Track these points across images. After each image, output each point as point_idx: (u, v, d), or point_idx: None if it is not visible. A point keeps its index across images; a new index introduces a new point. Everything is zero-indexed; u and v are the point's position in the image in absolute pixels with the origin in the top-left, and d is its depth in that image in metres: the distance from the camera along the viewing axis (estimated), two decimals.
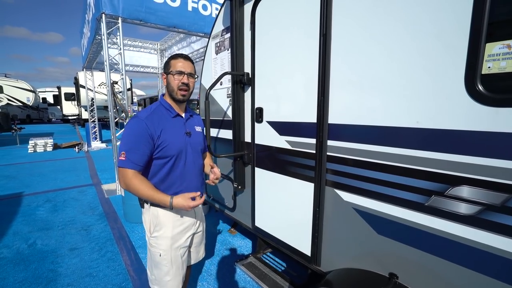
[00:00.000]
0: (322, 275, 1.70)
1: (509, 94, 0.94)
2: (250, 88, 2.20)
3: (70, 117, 20.42)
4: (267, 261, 2.33)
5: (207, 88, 2.87)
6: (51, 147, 9.25)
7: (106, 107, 14.38)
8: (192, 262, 1.67)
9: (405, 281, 1.28)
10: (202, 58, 10.17)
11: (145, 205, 1.44)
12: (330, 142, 1.59)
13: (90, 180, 5.67)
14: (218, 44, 2.56)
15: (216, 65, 2.64)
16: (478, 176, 1.01)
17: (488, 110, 0.97)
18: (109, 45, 4.82)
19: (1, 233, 3.26)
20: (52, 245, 2.97)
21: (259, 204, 2.24)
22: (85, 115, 14.99)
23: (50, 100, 24.10)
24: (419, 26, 1.14)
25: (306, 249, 1.80)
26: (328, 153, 1.60)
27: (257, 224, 2.27)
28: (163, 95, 1.47)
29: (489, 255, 1.00)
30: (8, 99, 19.69)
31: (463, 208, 1.06)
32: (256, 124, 2.15)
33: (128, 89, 5.04)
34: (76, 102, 17.38)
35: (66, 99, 19.48)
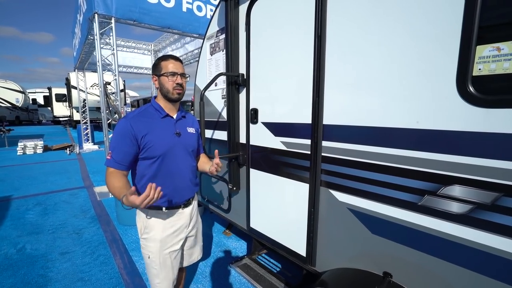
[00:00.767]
0: (317, 276, 1.71)
1: (499, 95, 0.96)
2: (245, 89, 2.20)
3: (61, 119, 20.05)
4: (262, 262, 2.32)
5: (201, 89, 2.86)
6: (41, 149, 9.06)
7: (98, 108, 14.18)
8: (185, 264, 1.65)
9: (399, 280, 1.29)
10: (197, 59, 10.11)
11: None
12: (324, 143, 1.60)
13: (82, 182, 5.57)
14: (213, 45, 2.56)
15: (211, 66, 2.63)
16: (470, 175, 1.03)
17: (479, 111, 1.00)
18: (101, 46, 4.77)
19: None
20: (42, 250, 2.90)
21: (254, 205, 2.23)
22: (76, 116, 14.77)
23: (41, 101, 23.60)
24: (412, 29, 1.16)
25: (301, 250, 1.81)
26: (323, 154, 1.61)
27: (252, 225, 2.27)
28: (155, 97, 1.47)
29: (481, 253, 1.02)
30: None
31: (455, 207, 1.07)
32: (251, 125, 2.15)
33: (121, 90, 4.97)
34: (67, 103, 17.09)
35: (57, 100, 19.12)
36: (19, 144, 8.83)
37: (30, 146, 8.87)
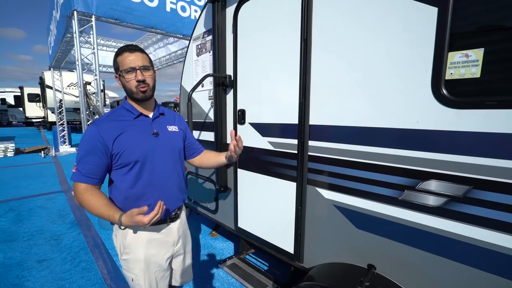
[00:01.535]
0: (305, 272, 1.76)
1: (468, 97, 1.06)
2: (232, 90, 2.23)
3: (34, 120, 18.96)
4: (250, 261, 2.34)
5: (187, 90, 2.85)
6: (13, 152, 8.53)
7: (75, 109, 13.58)
8: (173, 283, 1.45)
9: (382, 271, 1.37)
10: (180, 60, 10.02)
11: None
12: (311, 143, 1.66)
13: (59, 186, 5.31)
14: (200, 46, 2.56)
15: (197, 67, 2.63)
16: (444, 171, 1.12)
17: (451, 112, 1.09)
18: (81, 44, 4.60)
19: None
20: (17, 258, 2.75)
21: (242, 205, 2.26)
22: (51, 117, 14.03)
23: (11, 101, 22.19)
24: (391, 36, 1.25)
25: (289, 247, 1.85)
26: (309, 153, 1.67)
27: (240, 225, 2.29)
28: (126, 97, 1.28)
29: (455, 242, 1.11)
30: None
31: (431, 200, 1.16)
32: (238, 125, 2.18)
33: (101, 91, 4.80)
34: (41, 103, 16.21)
35: (30, 100, 18.08)
36: None
37: (0, 149, 8.33)
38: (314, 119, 1.63)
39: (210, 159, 1.51)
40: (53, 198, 4.62)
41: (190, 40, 2.71)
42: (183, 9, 5.96)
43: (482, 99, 1.02)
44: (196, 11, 6.24)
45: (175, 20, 5.94)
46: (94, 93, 4.70)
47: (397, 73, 1.24)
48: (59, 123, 9.70)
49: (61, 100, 9.73)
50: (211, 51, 2.38)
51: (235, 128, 2.22)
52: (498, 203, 0.99)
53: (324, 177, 1.60)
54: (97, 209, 1.10)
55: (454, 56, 1.08)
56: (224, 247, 2.95)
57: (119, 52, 1.18)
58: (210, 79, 2.41)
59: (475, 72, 1.03)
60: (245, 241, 2.46)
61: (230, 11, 2.16)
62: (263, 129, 1.98)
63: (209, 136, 2.55)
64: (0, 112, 22.48)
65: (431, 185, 1.16)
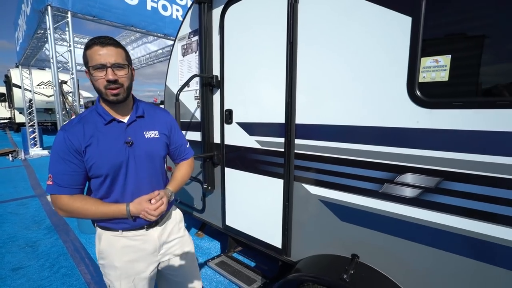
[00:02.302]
0: (293, 265, 1.83)
1: (437, 98, 1.18)
2: (219, 90, 2.26)
3: None
4: (238, 258, 2.38)
5: (172, 90, 2.84)
6: None
7: (47, 110, 12.82)
8: None
9: (365, 259, 1.47)
10: (160, 59, 9.80)
11: (95, 224, 1.20)
12: (297, 141, 1.73)
13: (32, 191, 5.02)
14: (185, 46, 2.57)
15: (183, 67, 2.63)
16: (418, 164, 1.24)
17: (424, 111, 1.21)
18: (55, 41, 4.38)
19: None
20: None
21: (229, 203, 2.29)
22: (19, 118, 13.15)
23: None
24: (371, 41, 1.35)
25: (277, 242, 1.92)
26: (296, 151, 1.75)
27: (227, 223, 2.32)
28: (98, 97, 1.13)
29: (427, 229, 1.23)
30: None
31: (408, 192, 1.28)
32: (225, 125, 2.21)
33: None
34: (7, 103, 15.11)
35: None
36: None
37: None
38: (300, 118, 1.71)
39: (176, 171, 1.36)
40: (25, 204, 4.36)
41: (175, 40, 2.70)
42: (164, 8, 5.86)
43: (450, 100, 1.14)
44: (177, 10, 6.16)
45: (156, 19, 5.83)
46: (70, 92, 4.50)
47: (377, 75, 1.35)
48: (29, 124, 9.11)
49: (31, 100, 9.14)
50: (197, 52, 2.40)
51: (222, 128, 2.25)
52: (464, 192, 1.12)
53: (310, 174, 1.68)
54: (97, 210, 1.04)
55: (426, 61, 1.20)
56: (210, 247, 2.96)
57: (89, 44, 1.00)
58: (196, 79, 2.42)
59: (443, 76, 1.15)
60: (233, 239, 2.49)
61: (216, 12, 2.19)
62: (251, 128, 2.03)
63: (195, 136, 2.56)
64: None
65: (407, 178, 1.27)
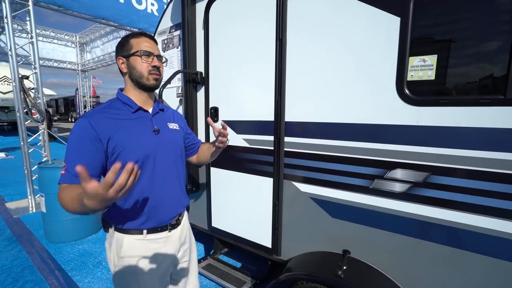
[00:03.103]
0: (283, 264, 1.82)
1: (425, 96, 1.23)
2: (203, 87, 2.18)
3: None
4: (225, 260, 2.32)
5: None
6: None
7: (3, 108, 11.62)
8: None
9: (356, 255, 1.50)
10: None
11: (110, 229, 1.12)
12: (287, 139, 1.72)
13: None
14: (166, 41, 2.45)
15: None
16: (407, 160, 1.28)
17: (412, 109, 1.25)
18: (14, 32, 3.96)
19: None
20: None
21: (215, 204, 2.23)
22: None
23: None
24: (361, 40, 1.37)
25: (267, 242, 1.90)
26: (285, 149, 1.73)
27: (214, 224, 2.25)
28: (121, 89, 1.16)
29: (418, 222, 1.28)
30: None
31: (397, 187, 1.32)
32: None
33: (32, 88, 4.12)
34: None
35: None
36: None
37: None
38: (290, 116, 1.70)
39: (205, 152, 1.38)
40: None
41: (154, 35, 2.57)
42: (139, 1, 5.59)
43: (437, 98, 1.20)
44: (153, 4, 5.91)
45: (130, 12, 5.54)
46: (32, 88, 4.10)
47: (367, 73, 1.37)
48: None
49: None
50: (179, 47, 2.30)
51: (207, 126, 2.18)
52: (450, 186, 1.18)
53: (301, 172, 1.68)
54: (69, 202, 0.88)
55: (414, 61, 1.24)
56: None
57: (136, 35, 1.11)
58: (179, 75, 2.32)
59: (430, 75, 1.20)
60: (219, 241, 2.43)
61: (200, 6, 2.12)
62: (238, 126, 1.98)
63: None
64: None
65: (397, 173, 1.31)
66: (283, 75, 1.68)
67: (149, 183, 1.09)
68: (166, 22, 2.42)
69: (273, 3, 1.66)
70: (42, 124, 4.06)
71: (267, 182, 1.84)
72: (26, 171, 3.94)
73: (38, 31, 9.04)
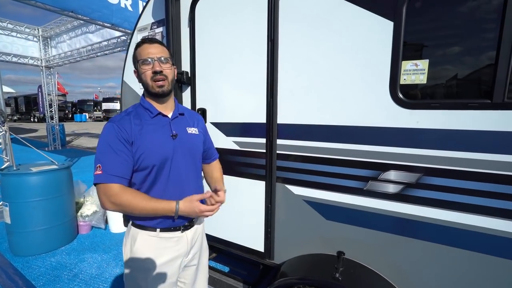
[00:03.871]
0: (275, 268, 1.80)
1: (417, 100, 1.27)
2: (189, 87, 2.09)
3: None
4: (214, 267, 2.26)
5: (131, 86, 2.54)
6: None
7: None
8: None
9: (350, 256, 1.51)
10: (106, 52, 8.77)
11: (128, 224, 1.21)
12: (279, 141, 1.70)
13: None
14: None
15: None
16: (400, 162, 1.31)
17: (405, 112, 1.28)
18: None
19: None
20: None
21: None
22: None
23: None
24: (355, 43, 1.38)
25: (259, 246, 1.86)
26: (278, 151, 1.71)
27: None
28: (144, 94, 1.23)
29: (410, 222, 1.32)
30: None
31: (391, 188, 1.35)
32: None
33: None
34: None
35: None
36: None
37: None
38: (282, 118, 1.67)
39: (214, 172, 1.48)
40: None
41: (134, 31, 2.41)
42: None
43: (429, 102, 1.24)
44: None
45: (101, 6, 5.20)
46: None
47: (360, 77, 1.38)
48: None
49: None
50: None
51: None
52: (442, 186, 1.22)
53: (294, 174, 1.66)
54: (147, 205, 1.05)
55: (407, 65, 1.27)
56: None
57: (139, 43, 1.16)
58: None
59: (422, 79, 1.24)
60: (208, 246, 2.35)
61: (184, 2, 2.02)
62: (227, 129, 1.92)
63: None
64: None
65: (390, 175, 1.34)
66: (275, 76, 1.65)
67: (165, 185, 1.15)
68: (147, 18, 2.29)
69: (264, 1, 1.63)
70: (3, 126, 3.67)
71: (259, 186, 1.80)
72: None
73: None
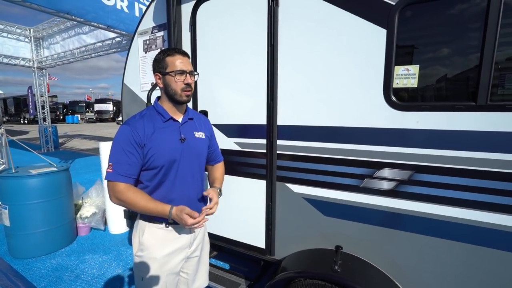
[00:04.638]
0: (276, 264, 1.87)
1: (408, 102, 1.36)
2: None
3: None
4: (216, 264, 2.32)
5: (131, 88, 2.58)
6: None
7: None
8: None
9: (348, 250, 1.60)
10: (100, 53, 8.72)
11: (136, 218, 1.33)
12: (279, 142, 1.77)
13: None
14: (148, 42, 2.36)
15: (145, 64, 2.41)
16: (394, 160, 1.40)
17: (398, 113, 1.37)
18: None
19: None
20: None
21: None
22: None
23: None
24: (351, 48, 1.47)
25: (260, 243, 1.93)
26: (278, 152, 1.79)
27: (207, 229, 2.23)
28: (158, 98, 1.31)
29: (402, 216, 1.41)
30: None
31: (385, 185, 1.44)
32: None
33: None
34: None
35: None
36: None
37: None
38: (282, 119, 1.75)
39: (215, 172, 1.55)
40: None
41: (134, 34, 2.46)
42: None
43: (419, 104, 1.33)
44: (122, 0, 5.60)
45: (96, 7, 5.19)
46: None
47: (356, 80, 1.47)
48: None
49: None
50: (164, 48, 2.23)
51: None
52: (432, 182, 1.32)
53: (294, 173, 1.74)
54: (144, 204, 1.16)
55: (399, 69, 1.36)
56: None
57: (170, 53, 1.23)
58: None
59: (414, 83, 1.33)
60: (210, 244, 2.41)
61: (186, 7, 2.08)
62: (229, 130, 1.99)
63: None
64: None
65: (384, 172, 1.43)
66: (275, 80, 1.73)
67: (171, 184, 1.26)
68: (148, 22, 2.34)
69: (262, 9, 1.70)
70: (0, 128, 3.65)
71: (260, 185, 1.88)
72: None
73: None
